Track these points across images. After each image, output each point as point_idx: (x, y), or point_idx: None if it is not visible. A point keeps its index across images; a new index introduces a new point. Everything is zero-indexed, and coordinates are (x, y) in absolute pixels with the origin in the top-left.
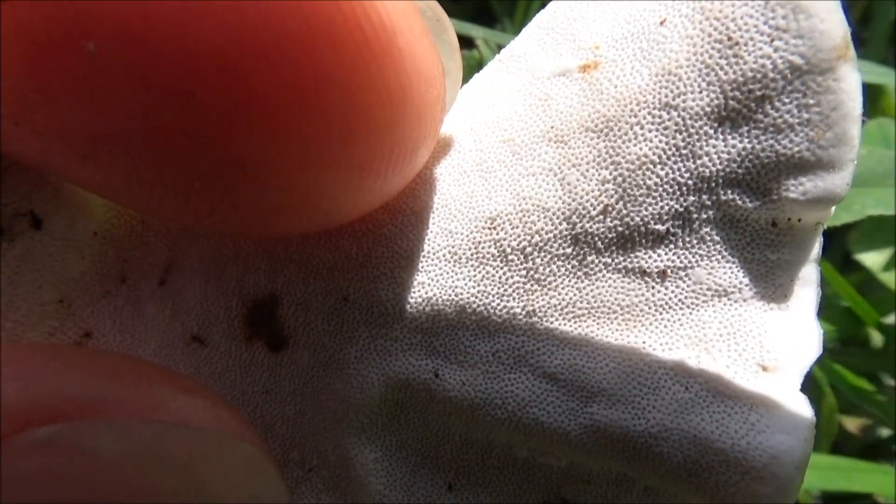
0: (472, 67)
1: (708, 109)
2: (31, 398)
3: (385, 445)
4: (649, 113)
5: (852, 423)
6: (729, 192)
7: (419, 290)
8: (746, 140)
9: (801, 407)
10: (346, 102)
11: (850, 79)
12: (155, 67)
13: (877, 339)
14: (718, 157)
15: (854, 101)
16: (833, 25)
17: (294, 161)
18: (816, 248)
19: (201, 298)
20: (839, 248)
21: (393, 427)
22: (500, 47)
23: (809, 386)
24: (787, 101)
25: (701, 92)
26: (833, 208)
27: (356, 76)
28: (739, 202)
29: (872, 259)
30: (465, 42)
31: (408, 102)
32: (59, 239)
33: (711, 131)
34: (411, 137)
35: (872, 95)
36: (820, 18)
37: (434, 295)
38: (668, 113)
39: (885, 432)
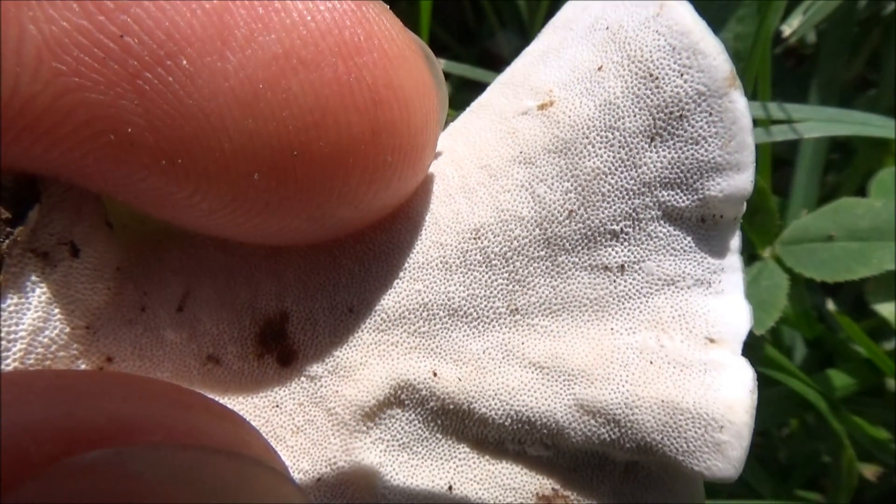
0: None
1: (642, 128)
2: (76, 422)
3: (388, 448)
4: (598, 135)
5: (870, 471)
6: (665, 193)
7: (416, 297)
8: (673, 150)
9: (744, 367)
10: (373, 100)
11: (741, 101)
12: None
13: (892, 386)
14: (654, 165)
15: (746, 117)
16: (722, 62)
17: (334, 149)
18: (737, 240)
19: (216, 321)
20: (851, 295)
21: (396, 428)
22: None
23: (829, 438)
24: (699, 118)
25: (635, 115)
26: (744, 204)
27: (381, 77)
28: (674, 202)
29: (889, 309)
30: (480, 88)
31: (416, 104)
32: (90, 269)
33: (646, 145)
34: (420, 136)
35: (879, 146)
36: (713, 57)
37: (429, 300)
38: (612, 133)
39: None
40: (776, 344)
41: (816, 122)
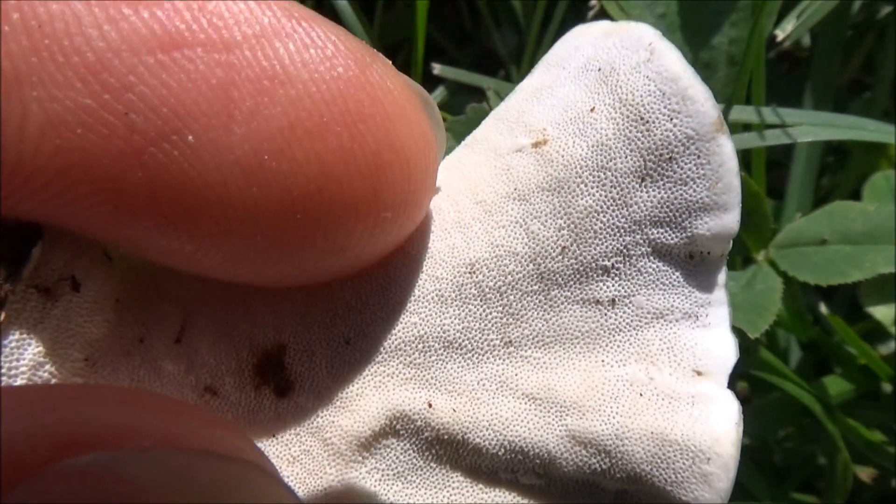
0: (483, 119)
1: (633, 169)
2: (71, 427)
3: (383, 478)
4: (590, 174)
5: (865, 473)
6: (655, 231)
7: (412, 330)
8: (663, 191)
9: (730, 400)
10: (376, 164)
11: (727, 145)
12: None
13: (888, 389)
14: (644, 205)
15: (733, 160)
16: (710, 108)
17: (337, 211)
18: (723, 275)
19: (214, 352)
20: (846, 299)
21: (391, 458)
22: None
23: (824, 440)
24: (688, 161)
25: (626, 157)
26: (731, 242)
27: (384, 141)
28: (664, 239)
29: (883, 312)
30: (476, 92)
31: (417, 161)
32: (90, 303)
33: (637, 185)
34: (420, 189)
35: (874, 149)
36: (701, 103)
37: (425, 333)
38: (604, 173)
39: None
40: (771, 347)
41: (810, 127)
